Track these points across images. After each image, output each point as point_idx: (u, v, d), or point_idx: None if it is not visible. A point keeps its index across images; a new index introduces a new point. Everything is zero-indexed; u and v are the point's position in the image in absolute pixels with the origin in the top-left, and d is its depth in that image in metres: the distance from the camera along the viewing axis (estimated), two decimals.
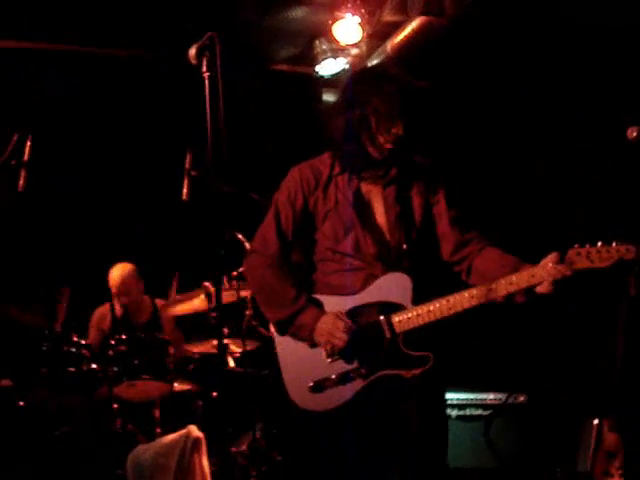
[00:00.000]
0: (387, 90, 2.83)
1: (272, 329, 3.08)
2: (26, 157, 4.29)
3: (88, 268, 5.60)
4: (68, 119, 5.82)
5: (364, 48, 5.91)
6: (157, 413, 4.58)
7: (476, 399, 5.01)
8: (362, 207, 2.95)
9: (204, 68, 2.87)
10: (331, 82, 6.37)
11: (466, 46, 5.46)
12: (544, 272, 2.69)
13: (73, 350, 4.42)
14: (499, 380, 5.13)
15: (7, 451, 4.22)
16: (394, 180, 2.98)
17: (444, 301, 2.78)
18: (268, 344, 4.88)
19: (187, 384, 4.81)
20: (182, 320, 5.38)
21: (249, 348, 4.75)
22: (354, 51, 5.99)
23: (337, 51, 6.00)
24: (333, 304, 2.91)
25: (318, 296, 2.95)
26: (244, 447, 4.74)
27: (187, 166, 4.51)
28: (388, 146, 2.86)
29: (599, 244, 2.66)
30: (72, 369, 4.36)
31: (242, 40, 5.66)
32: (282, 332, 2.96)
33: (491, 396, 5.04)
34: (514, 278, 2.72)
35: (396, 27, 5.68)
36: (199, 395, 4.81)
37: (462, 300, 2.77)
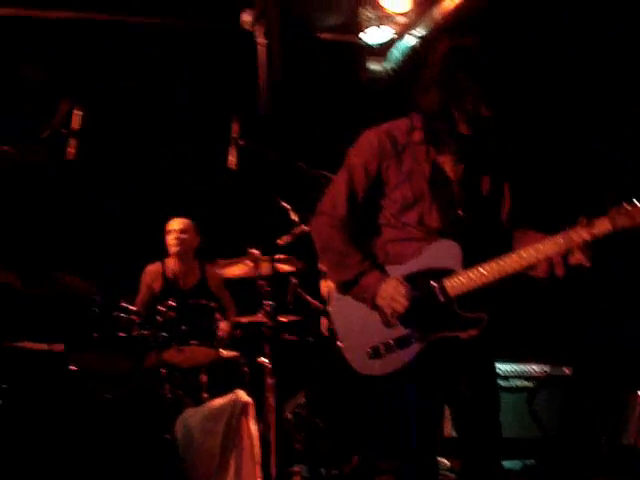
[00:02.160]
0: (480, 70, 2.86)
1: (329, 294, 3.11)
2: (75, 125, 4.31)
3: (137, 234, 5.68)
4: (116, 87, 5.86)
5: (411, 16, 5.84)
6: (204, 378, 4.63)
7: (520, 370, 5.00)
8: (437, 180, 2.96)
9: (259, 35, 2.84)
10: (376, 50, 6.32)
11: (516, 14, 5.35)
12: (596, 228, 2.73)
13: (123, 316, 4.48)
14: (544, 352, 5.11)
15: (58, 414, 4.30)
16: (470, 157, 3.00)
17: (494, 264, 2.82)
18: (313, 312, 4.97)
19: (233, 350, 4.86)
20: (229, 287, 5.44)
21: (294, 317, 4.79)
22: (400, 19, 5.92)
23: (383, 19, 5.93)
24: (389, 271, 2.95)
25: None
26: (288, 414, 4.80)
27: (234, 134, 4.52)
28: (476, 124, 2.88)
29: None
30: (122, 334, 4.42)
31: (287, 8, 5.63)
32: (345, 292, 2.99)
33: (535, 368, 5.02)
34: (561, 239, 2.77)
35: None
36: (245, 361, 4.85)
37: (512, 262, 2.81)
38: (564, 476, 4.78)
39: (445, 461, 4.48)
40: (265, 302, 4.59)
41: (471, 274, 2.84)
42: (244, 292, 5.22)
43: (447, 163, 2.98)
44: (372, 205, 3.03)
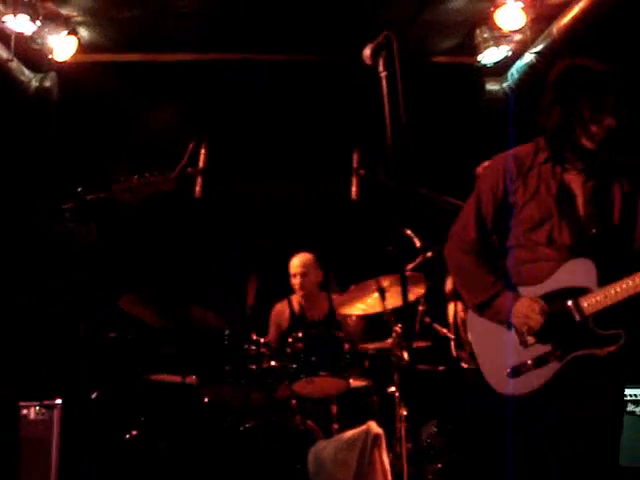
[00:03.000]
0: (601, 83, 2.90)
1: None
2: (202, 164, 4.44)
3: (266, 266, 5.77)
4: (240, 125, 6.02)
5: (528, 33, 5.74)
6: (334, 409, 4.64)
7: None
8: (564, 197, 2.99)
9: (380, 68, 2.87)
10: (493, 70, 6.24)
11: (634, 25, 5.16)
12: None
13: (253, 348, 4.54)
14: None
15: (192, 445, 4.40)
16: (598, 172, 2.99)
17: (629, 281, 2.81)
18: (441, 341, 4.88)
19: (363, 380, 4.84)
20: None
21: (422, 345, 4.73)
22: (517, 37, 5.84)
23: (499, 38, 5.87)
24: (524, 293, 3.01)
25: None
26: (419, 444, 4.71)
27: (355, 165, 4.54)
28: (601, 137, 2.90)
29: None
30: (253, 367, 4.48)
31: (400, 35, 5.63)
32: (480, 314, 3.09)
33: None
34: None
35: (561, 8, 5.48)
36: (374, 391, 4.82)
37: None
38: None
39: None
40: (393, 330, 4.56)
41: (606, 292, 2.85)
42: (372, 320, 5.22)
43: (575, 181, 3.00)
44: (502, 228, 3.11)
